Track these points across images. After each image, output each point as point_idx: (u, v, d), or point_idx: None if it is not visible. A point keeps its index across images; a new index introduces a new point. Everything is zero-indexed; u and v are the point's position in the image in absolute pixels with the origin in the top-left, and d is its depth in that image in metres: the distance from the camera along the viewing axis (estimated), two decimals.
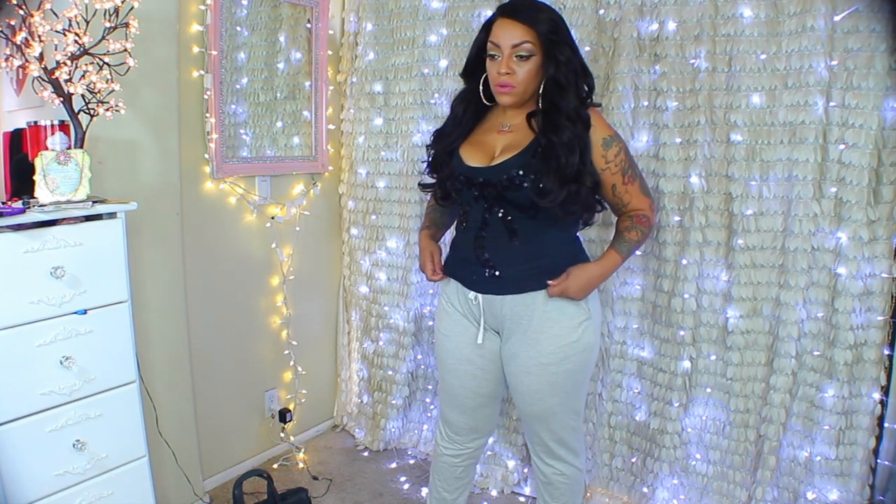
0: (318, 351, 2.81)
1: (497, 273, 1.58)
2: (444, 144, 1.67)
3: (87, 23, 1.51)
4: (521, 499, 2.36)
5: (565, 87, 1.49)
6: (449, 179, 1.64)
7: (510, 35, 1.48)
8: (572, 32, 2.08)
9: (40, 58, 1.45)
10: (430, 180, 1.78)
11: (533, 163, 1.50)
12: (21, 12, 1.43)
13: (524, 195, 1.51)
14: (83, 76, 1.53)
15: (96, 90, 1.55)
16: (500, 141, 1.59)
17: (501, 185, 1.53)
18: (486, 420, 1.81)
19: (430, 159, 1.73)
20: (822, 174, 1.81)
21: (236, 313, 2.44)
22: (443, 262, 1.76)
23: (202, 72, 2.20)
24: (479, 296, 1.62)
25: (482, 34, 1.57)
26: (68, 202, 1.50)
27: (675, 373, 2.06)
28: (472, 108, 1.66)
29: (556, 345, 1.57)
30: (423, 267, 1.77)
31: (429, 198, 1.87)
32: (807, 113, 1.80)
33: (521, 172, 1.50)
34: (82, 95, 1.54)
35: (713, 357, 2.01)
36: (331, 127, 2.70)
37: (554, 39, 1.48)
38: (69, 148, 1.54)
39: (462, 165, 1.60)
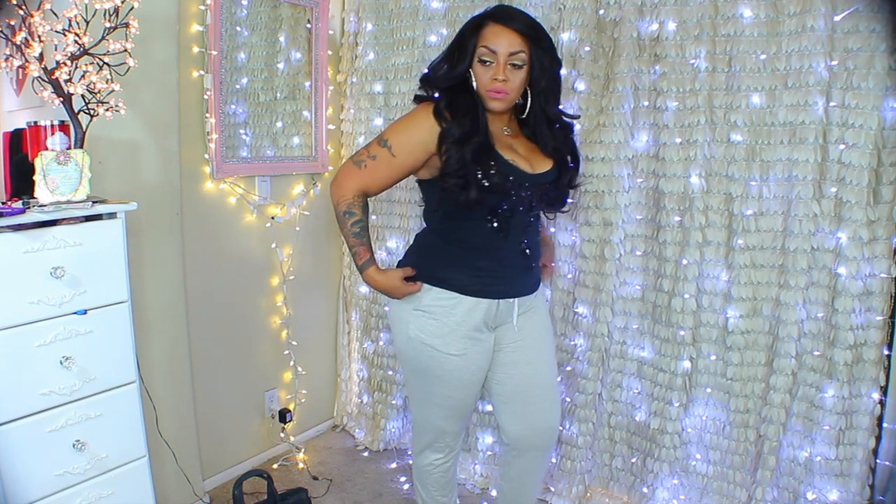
0: (318, 351, 2.81)
1: (533, 271, 1.69)
2: (481, 148, 1.51)
3: (87, 23, 1.51)
4: None
5: (551, 96, 1.59)
6: (497, 190, 1.51)
7: (507, 43, 1.49)
8: (572, 32, 2.10)
9: (40, 58, 1.45)
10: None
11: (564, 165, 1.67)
12: (21, 12, 1.43)
13: (564, 195, 1.67)
14: (83, 76, 1.53)
15: (96, 90, 1.55)
16: (517, 145, 1.61)
17: (554, 187, 1.63)
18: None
19: (475, 166, 1.49)
20: (822, 174, 1.81)
21: (236, 313, 2.44)
22: (456, 281, 1.60)
23: (202, 72, 2.20)
24: (516, 301, 1.66)
25: (472, 38, 1.53)
26: (68, 202, 1.49)
27: (675, 373, 2.06)
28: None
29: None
30: (406, 292, 1.62)
31: (353, 216, 1.60)
32: (807, 113, 1.80)
33: (567, 175, 1.66)
34: (82, 95, 1.54)
35: (713, 357, 2.01)
36: (331, 127, 2.70)
37: (543, 49, 1.53)
38: (69, 148, 1.53)
39: (520, 172, 1.55)
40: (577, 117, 1.80)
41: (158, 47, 1.97)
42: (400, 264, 1.71)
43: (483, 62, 1.52)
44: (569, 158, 1.66)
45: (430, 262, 1.64)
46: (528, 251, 1.63)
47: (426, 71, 1.63)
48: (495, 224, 1.56)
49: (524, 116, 1.63)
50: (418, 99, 1.63)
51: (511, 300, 1.65)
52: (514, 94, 1.55)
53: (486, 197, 1.51)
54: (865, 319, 1.79)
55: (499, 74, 1.50)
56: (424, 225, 1.74)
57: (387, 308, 2.65)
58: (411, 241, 2.50)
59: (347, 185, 1.60)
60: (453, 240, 1.62)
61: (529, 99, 1.59)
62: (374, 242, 2.65)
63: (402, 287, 1.62)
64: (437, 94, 1.58)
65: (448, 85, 1.56)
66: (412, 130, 1.56)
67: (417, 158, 1.56)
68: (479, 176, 1.49)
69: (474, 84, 1.54)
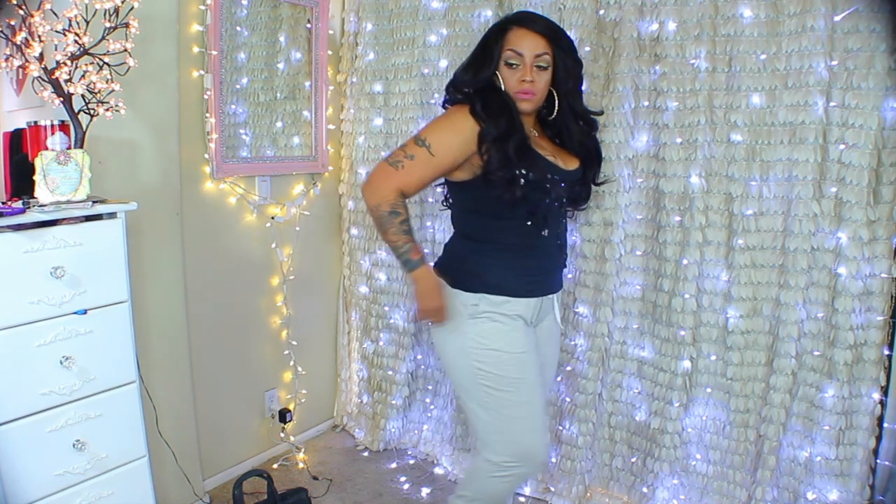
0: (318, 351, 2.81)
1: (564, 266, 1.76)
2: (522, 145, 1.54)
3: (87, 23, 1.51)
4: (522, 499, 2.36)
5: (577, 94, 1.66)
6: (540, 186, 1.55)
7: (532, 45, 1.55)
8: (572, 32, 2.11)
9: (40, 58, 1.45)
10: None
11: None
12: (21, 12, 1.43)
13: (588, 191, 1.77)
14: (83, 76, 1.53)
15: (96, 90, 1.55)
16: (544, 145, 1.65)
17: (583, 185, 1.72)
18: None
19: (518, 162, 1.51)
20: (822, 174, 1.81)
21: (236, 313, 2.44)
22: (508, 284, 1.60)
23: (202, 72, 2.20)
24: (555, 296, 1.73)
25: (497, 43, 1.57)
26: (68, 202, 1.49)
27: (676, 372, 2.06)
28: None
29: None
30: (442, 314, 1.59)
31: (399, 216, 1.55)
32: (807, 113, 1.80)
33: (592, 171, 1.75)
34: (82, 95, 1.54)
35: (713, 357, 2.01)
36: (331, 127, 2.70)
37: (565, 50, 1.59)
38: (69, 148, 1.53)
39: (557, 168, 1.61)
40: (601, 113, 1.84)
41: (158, 47, 1.97)
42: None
43: (510, 65, 1.57)
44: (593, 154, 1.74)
45: (474, 270, 1.60)
46: (562, 246, 1.71)
47: (452, 77, 1.67)
48: (534, 221, 1.59)
49: (551, 118, 1.67)
50: (448, 103, 1.66)
51: (551, 296, 1.71)
52: (541, 94, 1.60)
53: (530, 193, 1.54)
54: (865, 319, 1.79)
55: (527, 76, 1.56)
56: (452, 230, 1.72)
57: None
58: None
59: (386, 186, 1.55)
60: (494, 241, 1.60)
61: (556, 99, 1.64)
62: (374, 242, 2.66)
63: (443, 290, 1.61)
64: (462, 97, 1.62)
65: (475, 88, 1.59)
66: (452, 130, 1.55)
67: (456, 158, 1.55)
68: (524, 172, 1.52)
69: (502, 86, 1.58)
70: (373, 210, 1.57)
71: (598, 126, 1.77)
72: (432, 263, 1.70)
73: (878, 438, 1.84)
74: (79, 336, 1.52)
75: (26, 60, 1.44)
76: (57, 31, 1.47)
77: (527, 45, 1.55)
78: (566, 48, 1.60)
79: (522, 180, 1.51)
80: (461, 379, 1.65)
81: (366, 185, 1.59)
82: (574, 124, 1.68)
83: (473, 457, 1.74)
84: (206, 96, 2.21)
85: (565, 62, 1.59)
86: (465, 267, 1.62)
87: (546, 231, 1.61)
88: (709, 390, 2.04)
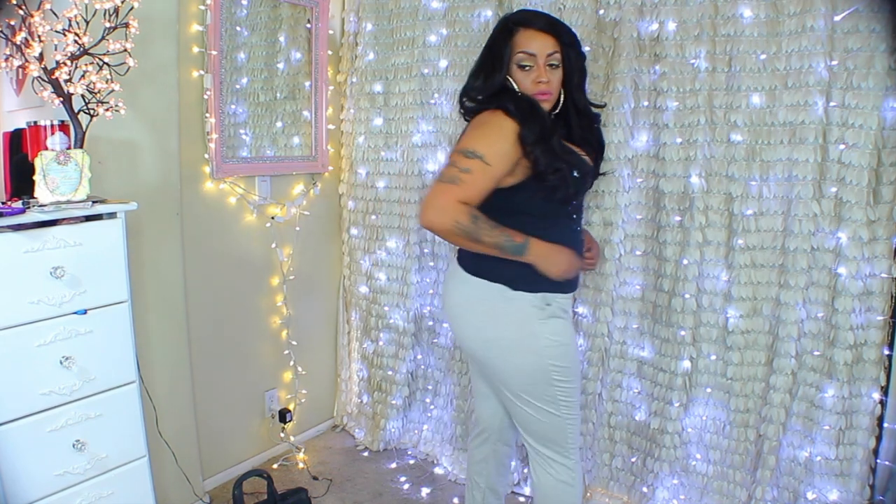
0: (318, 351, 2.81)
1: None
2: (562, 142, 1.57)
3: (87, 23, 1.51)
4: (521, 499, 2.36)
5: (581, 91, 1.66)
6: (585, 181, 1.61)
7: (543, 45, 1.55)
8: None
9: (40, 58, 1.45)
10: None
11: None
12: (21, 12, 1.43)
13: (592, 183, 1.73)
14: (83, 76, 1.53)
15: (96, 90, 1.55)
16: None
17: (594, 180, 1.73)
18: None
19: (565, 159, 1.53)
20: (822, 174, 1.81)
21: (236, 313, 2.44)
22: (563, 283, 1.59)
23: (202, 72, 2.20)
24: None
25: (505, 46, 1.56)
26: (68, 202, 1.50)
27: (676, 373, 2.06)
28: None
29: None
30: (576, 265, 1.58)
31: (479, 217, 1.46)
32: (807, 113, 1.80)
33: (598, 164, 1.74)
34: (82, 95, 1.54)
35: (713, 357, 2.01)
36: (331, 127, 2.70)
37: (569, 45, 1.59)
38: (69, 148, 1.54)
39: (587, 164, 1.63)
40: (603, 106, 1.85)
41: (158, 47, 1.97)
42: (474, 270, 1.63)
43: (522, 67, 1.56)
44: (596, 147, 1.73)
45: (531, 270, 1.53)
46: (583, 239, 1.73)
47: (464, 86, 1.64)
48: (574, 217, 1.63)
49: (554, 113, 1.65)
50: (469, 113, 1.62)
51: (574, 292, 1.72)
52: (556, 93, 1.60)
53: (579, 189, 1.58)
54: (865, 319, 1.79)
55: (542, 77, 1.55)
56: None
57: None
58: (411, 241, 2.54)
59: (450, 201, 1.43)
60: (546, 240, 1.54)
61: (562, 95, 1.64)
62: (374, 242, 2.66)
63: (564, 248, 1.54)
64: (475, 105, 1.60)
65: (490, 93, 1.57)
66: (499, 136, 1.49)
67: (507, 165, 1.49)
68: (574, 168, 1.54)
69: (516, 89, 1.56)
70: (451, 231, 1.44)
71: (601, 119, 1.77)
72: (459, 267, 1.66)
73: (878, 438, 1.84)
74: (79, 336, 1.52)
75: (26, 60, 1.45)
76: (57, 31, 1.47)
77: (537, 46, 1.54)
78: (570, 43, 1.59)
79: (573, 176, 1.53)
80: (534, 382, 1.59)
81: (427, 210, 1.45)
82: (575, 119, 1.67)
83: (549, 486, 1.66)
84: (206, 96, 2.21)
85: (570, 57, 1.59)
86: (521, 270, 1.54)
87: (579, 225, 1.67)
88: (709, 390, 2.04)
